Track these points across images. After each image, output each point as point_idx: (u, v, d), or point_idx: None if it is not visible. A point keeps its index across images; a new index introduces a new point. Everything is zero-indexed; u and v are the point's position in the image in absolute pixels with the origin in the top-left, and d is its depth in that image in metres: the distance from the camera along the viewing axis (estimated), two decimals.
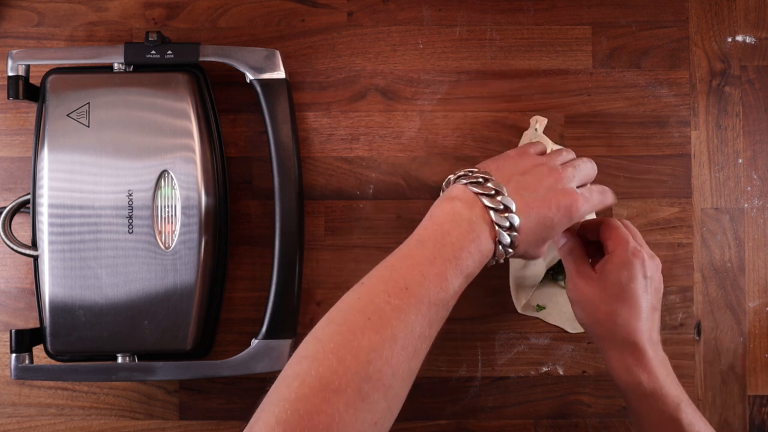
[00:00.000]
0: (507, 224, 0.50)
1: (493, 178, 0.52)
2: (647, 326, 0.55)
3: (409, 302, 0.46)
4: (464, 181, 0.52)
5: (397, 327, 0.45)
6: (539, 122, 0.65)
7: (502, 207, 0.50)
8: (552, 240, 0.55)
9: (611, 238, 0.57)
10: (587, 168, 0.57)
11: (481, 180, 0.52)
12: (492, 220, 0.50)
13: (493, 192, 0.51)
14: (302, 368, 0.44)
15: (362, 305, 0.46)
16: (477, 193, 0.51)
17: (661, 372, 0.54)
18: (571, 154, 0.58)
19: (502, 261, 0.52)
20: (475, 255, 0.49)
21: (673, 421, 0.53)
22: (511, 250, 0.51)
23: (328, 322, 0.46)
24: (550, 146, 0.63)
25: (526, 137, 0.65)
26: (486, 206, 0.50)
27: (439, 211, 0.51)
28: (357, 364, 0.43)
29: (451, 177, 0.54)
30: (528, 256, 0.55)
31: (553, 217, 0.53)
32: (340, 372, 0.43)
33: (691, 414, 0.54)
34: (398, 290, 0.46)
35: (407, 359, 0.45)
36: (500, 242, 0.50)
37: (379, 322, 0.45)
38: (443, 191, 0.54)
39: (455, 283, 0.48)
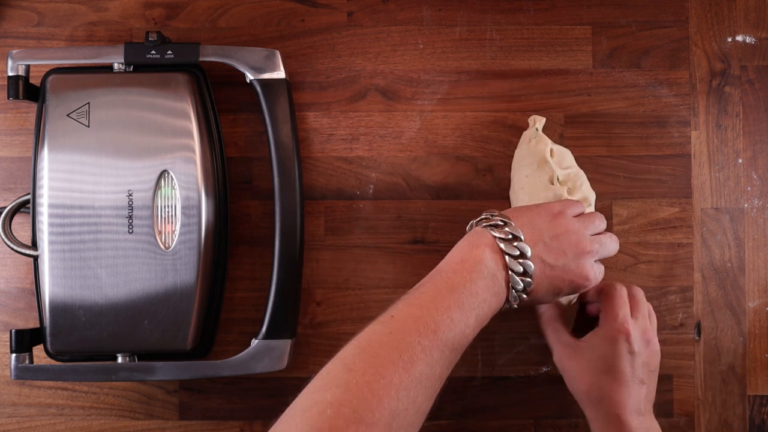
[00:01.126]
0: (521, 286, 0.53)
1: (521, 237, 0.53)
2: (633, 400, 0.56)
3: (436, 345, 0.48)
4: (496, 234, 0.53)
5: (423, 368, 0.47)
6: (538, 122, 0.64)
7: (521, 270, 0.53)
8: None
9: (604, 309, 0.58)
10: (611, 248, 0.58)
11: (510, 237, 0.53)
12: (508, 279, 0.53)
13: (517, 253, 0.53)
14: (334, 397, 0.45)
15: (394, 342, 0.48)
16: (503, 251, 0.53)
17: None
18: (603, 223, 0.59)
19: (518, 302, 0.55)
20: (493, 306, 0.52)
21: None
22: (515, 306, 0.54)
23: (358, 351, 0.48)
24: (550, 145, 0.63)
25: (526, 137, 0.65)
26: (508, 266, 0.53)
27: (469, 256, 0.53)
28: (389, 400, 0.45)
29: (483, 215, 0.56)
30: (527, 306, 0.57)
31: (562, 288, 0.55)
32: (373, 406, 0.44)
33: None
34: (429, 332, 0.48)
35: (427, 399, 0.47)
36: (509, 300, 0.53)
37: (409, 362, 0.46)
38: (470, 227, 0.57)
39: (474, 330, 0.51)
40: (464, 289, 0.51)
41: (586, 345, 0.58)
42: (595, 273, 0.56)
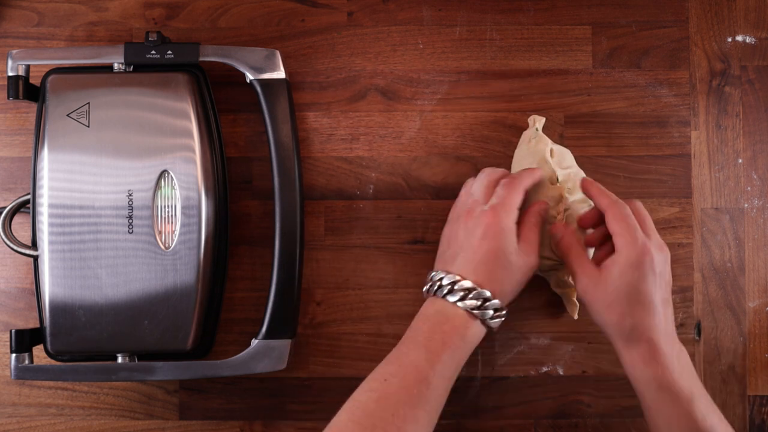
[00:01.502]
0: (491, 314, 0.55)
1: (475, 287, 0.55)
2: (661, 321, 0.55)
3: (391, 402, 0.52)
4: (430, 295, 0.57)
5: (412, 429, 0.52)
6: (538, 122, 0.64)
7: (463, 295, 0.55)
8: (524, 271, 0.58)
9: (618, 233, 0.56)
10: (508, 194, 0.58)
11: (438, 285, 0.56)
12: (462, 308, 0.55)
13: (479, 303, 0.55)
14: None
15: (356, 417, 0.51)
16: (468, 312, 0.55)
17: (675, 366, 0.54)
18: (488, 178, 0.60)
19: (501, 316, 0.57)
20: (451, 338, 0.55)
21: (686, 415, 0.53)
22: (494, 305, 0.55)
23: (353, 423, 0.51)
24: (550, 145, 0.63)
25: (526, 137, 0.65)
26: (477, 316, 0.55)
27: (416, 321, 0.57)
28: None
29: (430, 282, 0.58)
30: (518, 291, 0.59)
31: (520, 279, 0.57)
32: None
33: (704, 407, 0.53)
34: (415, 400, 0.52)
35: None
36: (471, 308, 0.55)
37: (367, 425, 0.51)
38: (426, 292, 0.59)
39: (434, 367, 0.53)
40: (443, 354, 0.54)
41: (609, 274, 0.56)
42: (493, 208, 0.57)
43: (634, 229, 0.56)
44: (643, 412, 0.56)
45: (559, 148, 0.64)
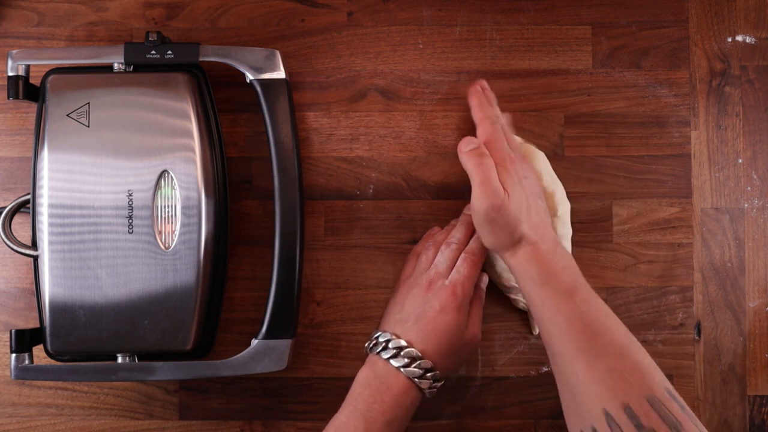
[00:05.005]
0: (419, 372, 0.57)
1: (395, 335, 0.58)
2: (543, 227, 0.58)
3: None
4: (372, 354, 0.59)
5: None
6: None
7: (408, 361, 0.57)
8: (468, 349, 0.61)
9: (493, 146, 0.59)
10: (466, 271, 0.60)
11: (383, 346, 0.58)
12: (404, 375, 0.57)
13: (420, 372, 0.57)
14: None
15: None
16: (384, 360, 0.57)
17: (557, 262, 0.56)
18: (453, 253, 0.61)
19: (435, 388, 0.59)
20: (392, 402, 0.56)
21: (567, 303, 0.54)
22: (434, 376, 0.58)
23: None
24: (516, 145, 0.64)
25: None
26: (389, 362, 0.57)
27: (356, 379, 0.58)
28: None
29: (365, 345, 0.60)
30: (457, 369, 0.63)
31: (459, 351, 0.60)
32: None
33: (584, 293, 0.55)
34: None
35: None
36: (414, 377, 0.57)
37: None
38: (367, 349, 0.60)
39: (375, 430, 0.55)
40: (381, 424, 0.56)
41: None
42: (453, 285, 0.59)
43: (500, 139, 0.59)
44: (531, 312, 0.59)
45: (527, 149, 0.64)
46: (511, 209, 0.56)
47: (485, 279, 0.64)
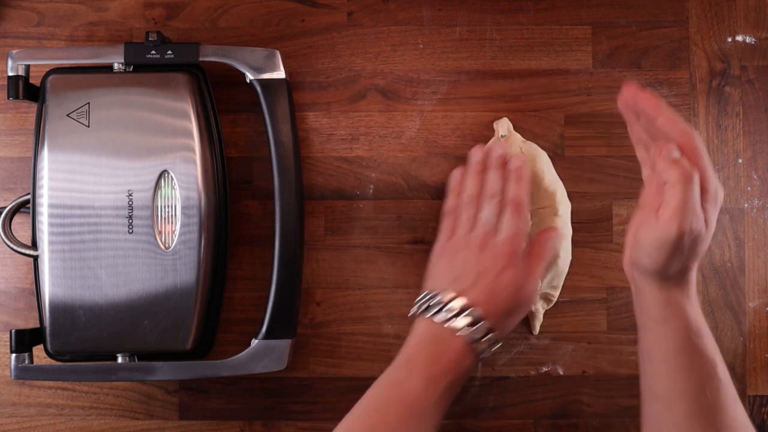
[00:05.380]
0: (466, 322, 0.54)
1: (454, 295, 0.55)
2: (698, 263, 0.53)
3: (382, 421, 0.51)
4: (427, 315, 0.56)
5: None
6: (501, 127, 0.65)
7: (471, 322, 0.54)
8: (526, 306, 0.58)
9: (703, 169, 0.51)
10: (515, 225, 0.58)
11: (440, 307, 0.55)
12: (465, 337, 0.54)
13: (480, 336, 0.54)
14: None
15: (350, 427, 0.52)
16: (443, 321, 0.55)
17: (703, 319, 0.53)
18: (494, 200, 0.59)
19: (495, 349, 0.56)
20: (452, 365, 0.54)
21: (703, 372, 0.51)
22: (492, 338, 0.55)
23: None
24: (518, 144, 0.63)
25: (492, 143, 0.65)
26: (448, 325, 0.55)
27: (410, 340, 0.56)
28: None
29: (413, 308, 0.58)
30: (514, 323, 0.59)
31: (514, 310, 0.57)
32: None
33: (722, 370, 0.52)
34: (372, 410, 0.52)
35: None
36: (474, 340, 0.54)
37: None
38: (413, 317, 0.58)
39: (434, 394, 0.53)
40: (443, 385, 0.53)
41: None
42: (515, 256, 0.57)
43: (710, 166, 0.51)
44: (640, 351, 0.55)
45: (529, 147, 0.64)
46: (704, 242, 0.51)
47: (555, 236, 0.60)
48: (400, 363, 0.55)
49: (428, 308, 0.56)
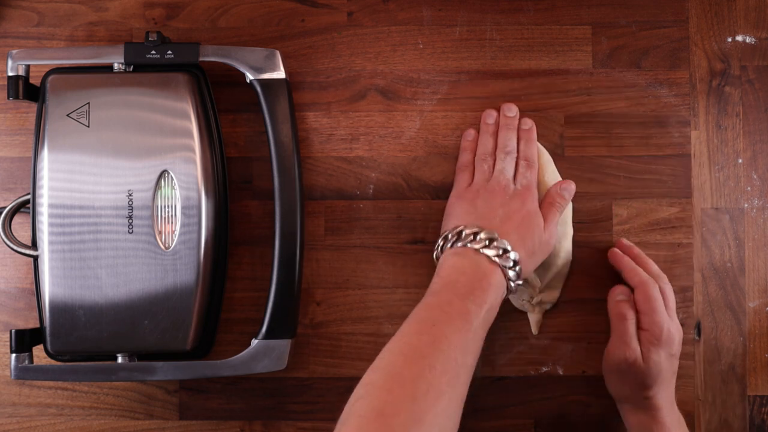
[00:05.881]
0: (500, 252, 0.56)
1: (509, 247, 0.57)
2: (669, 392, 0.61)
3: (439, 335, 0.51)
4: (459, 245, 0.57)
5: (433, 356, 0.50)
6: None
7: (501, 252, 0.56)
8: (544, 250, 0.61)
9: (645, 313, 0.60)
10: (530, 155, 0.63)
11: (472, 237, 0.57)
12: (497, 264, 0.56)
13: (511, 264, 0.56)
14: (358, 407, 0.48)
15: (399, 347, 0.52)
16: (499, 266, 0.56)
17: (674, 429, 0.60)
18: (509, 155, 0.63)
19: (520, 284, 0.58)
20: (489, 289, 0.55)
21: None
22: (520, 270, 0.57)
23: (371, 370, 0.51)
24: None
25: None
26: (481, 252, 0.56)
27: (443, 269, 0.57)
28: (403, 390, 0.48)
29: (440, 243, 0.60)
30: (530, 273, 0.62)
31: (530, 230, 0.60)
32: (390, 400, 0.47)
33: None
34: (427, 327, 0.52)
35: (448, 383, 0.50)
36: (505, 267, 0.56)
37: (415, 356, 0.50)
38: (437, 258, 0.60)
39: (478, 315, 0.53)
40: (447, 289, 0.55)
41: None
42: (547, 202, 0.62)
43: (660, 312, 0.60)
44: None
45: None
46: (642, 370, 0.59)
47: (570, 186, 0.63)
48: (439, 288, 0.56)
49: (457, 240, 0.58)
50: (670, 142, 0.67)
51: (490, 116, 0.65)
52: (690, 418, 0.66)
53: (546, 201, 0.62)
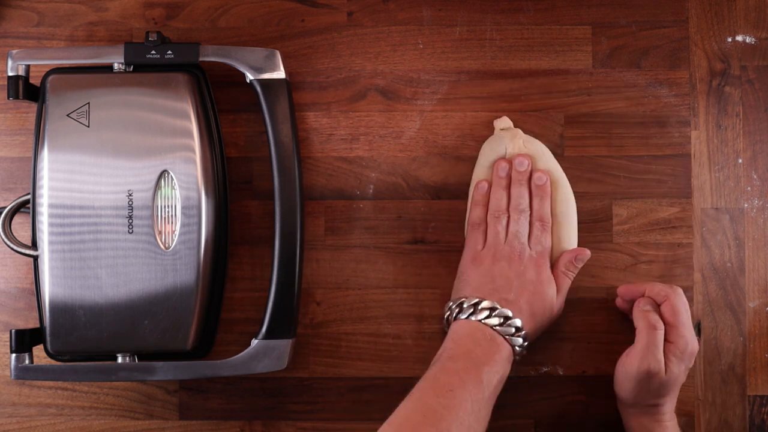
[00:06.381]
0: (513, 330, 0.59)
1: (510, 314, 0.59)
2: (675, 399, 0.62)
3: (455, 401, 0.54)
4: (474, 318, 0.59)
5: (450, 421, 0.53)
6: (502, 124, 0.65)
7: (514, 331, 0.59)
8: (552, 320, 0.63)
9: (675, 326, 0.60)
10: (545, 240, 0.63)
11: (488, 313, 0.59)
12: (508, 342, 0.59)
13: (513, 331, 0.59)
14: None
15: (417, 407, 0.54)
16: (500, 334, 0.59)
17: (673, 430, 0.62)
18: (523, 214, 0.63)
19: (524, 353, 0.61)
20: (500, 360, 0.58)
21: None
22: (527, 343, 0.60)
23: (388, 424, 0.53)
24: (520, 140, 0.64)
25: (493, 142, 0.65)
26: (496, 329, 0.59)
27: (459, 337, 0.59)
28: None
29: (454, 309, 0.61)
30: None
31: (541, 314, 0.62)
32: None
33: None
34: (445, 392, 0.54)
35: None
36: (515, 345, 0.59)
37: (433, 418, 0.52)
38: (449, 321, 0.61)
39: (491, 384, 0.57)
40: (464, 356, 0.57)
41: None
42: (557, 275, 0.63)
43: (688, 325, 0.60)
44: None
45: (533, 144, 0.64)
46: (661, 381, 0.60)
47: (586, 255, 0.64)
48: (455, 354, 0.58)
49: (474, 312, 0.60)
50: (670, 142, 0.67)
51: (502, 169, 0.64)
52: (690, 418, 0.66)
53: (559, 269, 0.63)
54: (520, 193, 0.63)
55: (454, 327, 0.60)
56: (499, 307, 0.59)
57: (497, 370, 0.57)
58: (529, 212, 0.63)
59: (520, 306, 0.60)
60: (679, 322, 0.60)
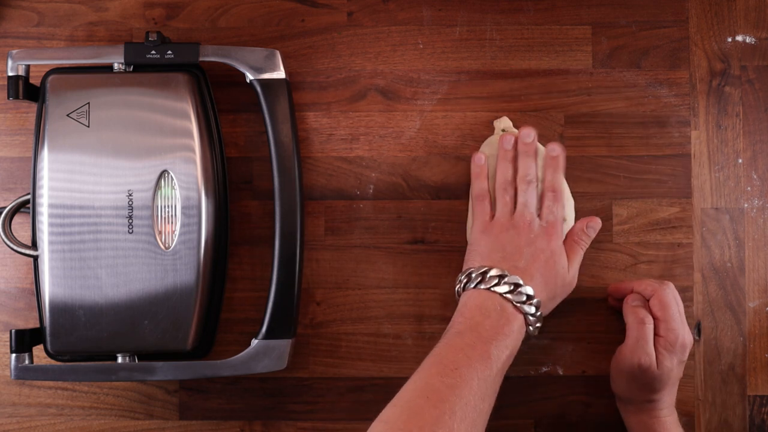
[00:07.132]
0: (524, 298, 0.57)
1: (521, 282, 0.57)
2: (673, 395, 0.62)
3: (460, 380, 0.52)
4: (482, 287, 0.58)
5: (453, 401, 0.51)
6: (503, 124, 0.65)
7: (525, 298, 0.57)
8: (566, 291, 0.62)
9: (664, 319, 0.60)
10: (557, 210, 0.62)
11: (497, 281, 0.58)
12: (520, 310, 0.57)
13: (524, 298, 0.57)
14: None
15: (420, 387, 0.52)
16: (513, 303, 0.57)
17: (673, 429, 0.61)
18: (531, 185, 0.62)
19: (539, 327, 0.59)
20: (511, 333, 0.56)
21: None
22: (541, 316, 0.58)
23: (391, 406, 0.51)
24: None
25: (493, 142, 0.65)
26: (506, 297, 0.57)
27: (467, 309, 0.57)
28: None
29: (463, 279, 0.60)
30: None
31: (554, 271, 0.60)
32: None
33: None
34: (449, 371, 0.53)
35: (466, 430, 0.51)
36: (527, 314, 0.57)
37: (436, 399, 0.51)
38: (459, 293, 0.60)
39: (499, 360, 0.55)
40: (471, 330, 0.56)
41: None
42: (564, 237, 0.62)
43: (677, 319, 0.60)
44: None
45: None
46: (654, 375, 0.59)
47: (598, 224, 0.63)
48: (463, 329, 0.56)
49: (481, 281, 0.58)
50: (670, 142, 0.67)
51: (507, 142, 0.63)
52: (690, 418, 0.66)
53: (570, 239, 0.63)
54: (528, 164, 0.62)
55: (464, 299, 0.59)
56: (508, 274, 0.57)
57: (507, 345, 0.56)
58: (536, 183, 0.62)
59: (532, 273, 0.58)
60: (669, 315, 0.60)
